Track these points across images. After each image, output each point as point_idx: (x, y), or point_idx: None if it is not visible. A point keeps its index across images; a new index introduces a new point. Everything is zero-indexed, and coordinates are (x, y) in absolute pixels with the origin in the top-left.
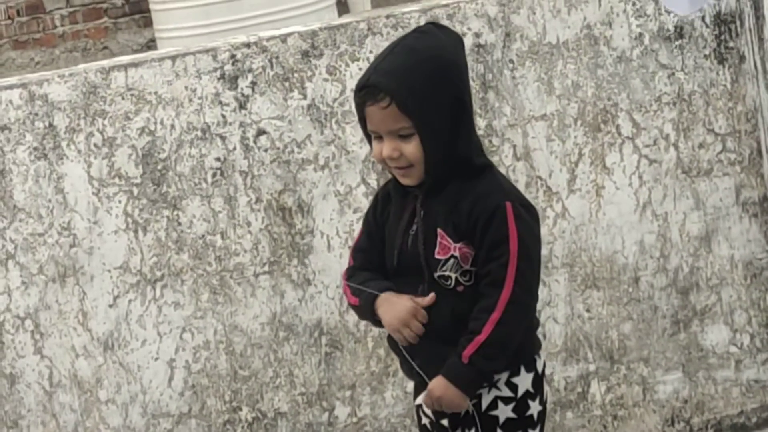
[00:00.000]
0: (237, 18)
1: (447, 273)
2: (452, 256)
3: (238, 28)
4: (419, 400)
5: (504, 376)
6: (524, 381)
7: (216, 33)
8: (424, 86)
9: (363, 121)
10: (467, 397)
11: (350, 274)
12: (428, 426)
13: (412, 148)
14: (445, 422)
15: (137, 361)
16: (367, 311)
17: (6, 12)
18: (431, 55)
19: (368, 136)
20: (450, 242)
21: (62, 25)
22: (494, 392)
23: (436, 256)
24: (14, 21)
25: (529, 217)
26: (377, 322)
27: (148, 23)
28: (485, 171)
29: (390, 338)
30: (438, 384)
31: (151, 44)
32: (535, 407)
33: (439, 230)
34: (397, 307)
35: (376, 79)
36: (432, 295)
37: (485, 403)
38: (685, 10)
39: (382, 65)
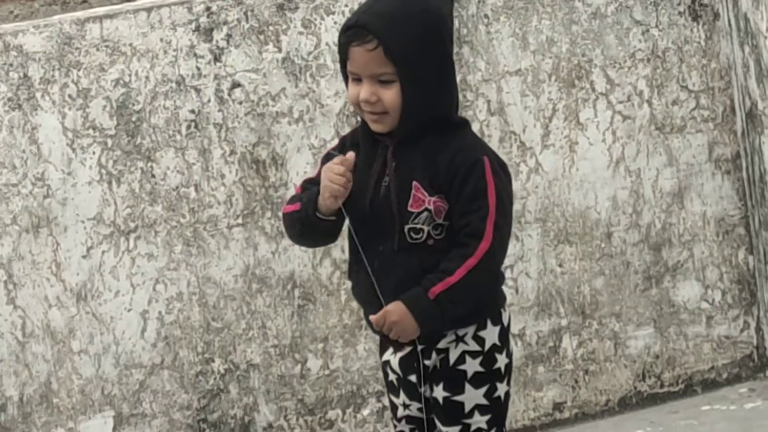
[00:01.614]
0: None
1: (419, 226)
2: (426, 209)
3: None
4: (374, 319)
5: (471, 330)
6: (491, 334)
7: None
8: (413, 35)
9: (344, 62)
10: (419, 330)
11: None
12: (395, 382)
13: (390, 95)
14: (412, 378)
15: (110, 312)
16: (311, 203)
17: None
18: (423, 7)
19: (346, 77)
20: (425, 195)
21: None
22: (462, 347)
23: (409, 209)
24: None
25: (503, 174)
26: (320, 220)
27: None
28: (462, 127)
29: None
30: (396, 308)
31: None
32: (502, 360)
33: (414, 183)
34: (325, 173)
35: (366, 19)
36: (351, 153)
37: (453, 357)
38: None
39: (373, 8)
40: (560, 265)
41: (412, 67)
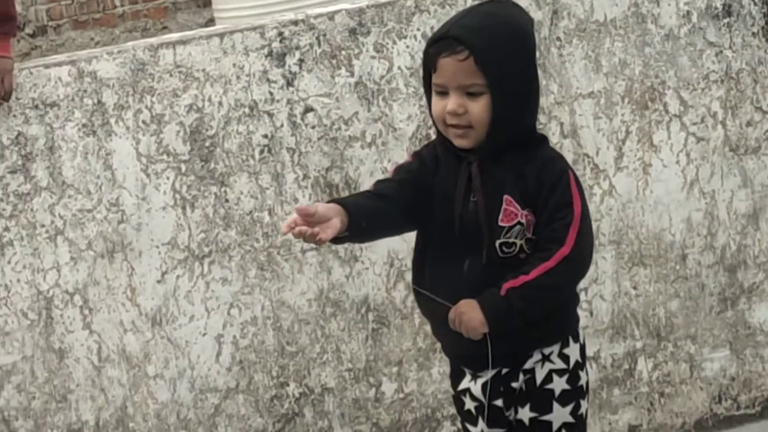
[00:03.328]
0: None
1: (512, 240)
2: (519, 222)
3: (296, 8)
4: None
5: (556, 348)
6: (574, 352)
7: (275, 13)
8: (503, 47)
9: (428, 76)
10: (487, 325)
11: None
12: (472, 411)
13: (479, 108)
14: (499, 402)
15: (185, 336)
16: None
17: None
18: (510, 21)
19: (429, 93)
20: (517, 209)
21: (122, 5)
22: (548, 365)
23: (500, 223)
24: (74, 1)
25: (583, 190)
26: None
27: (207, 3)
28: (542, 141)
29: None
30: (466, 302)
31: (210, 24)
32: (584, 377)
33: (505, 197)
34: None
35: (457, 31)
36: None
37: (539, 377)
38: None
39: (462, 21)
40: (635, 288)
41: (503, 79)
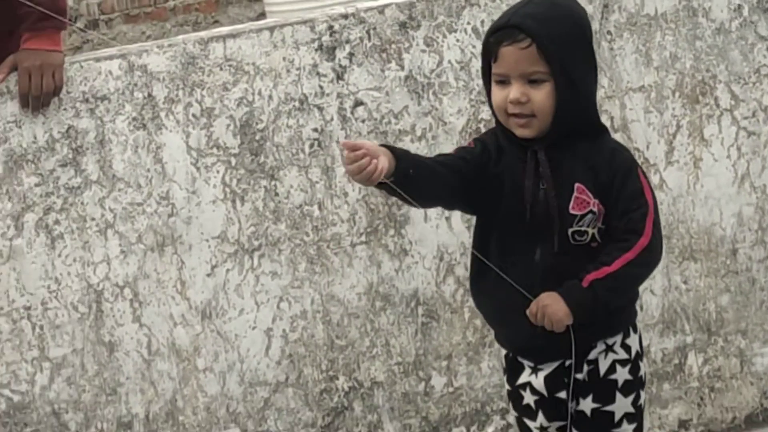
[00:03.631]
0: None
1: (584, 228)
2: (590, 211)
3: (346, 2)
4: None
5: (618, 338)
6: (634, 342)
7: (325, 7)
8: (565, 35)
9: (487, 67)
10: (572, 317)
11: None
12: (532, 405)
13: (542, 95)
14: (561, 395)
15: (235, 330)
16: None
17: None
18: (571, 11)
19: (488, 84)
20: (590, 197)
21: None
22: (611, 356)
23: (571, 211)
24: None
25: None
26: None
27: None
28: (606, 131)
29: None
30: (549, 294)
31: (260, 18)
32: (643, 367)
33: (577, 185)
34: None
35: (518, 20)
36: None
37: (603, 367)
38: None
39: (522, 10)
40: (685, 282)
41: (566, 67)
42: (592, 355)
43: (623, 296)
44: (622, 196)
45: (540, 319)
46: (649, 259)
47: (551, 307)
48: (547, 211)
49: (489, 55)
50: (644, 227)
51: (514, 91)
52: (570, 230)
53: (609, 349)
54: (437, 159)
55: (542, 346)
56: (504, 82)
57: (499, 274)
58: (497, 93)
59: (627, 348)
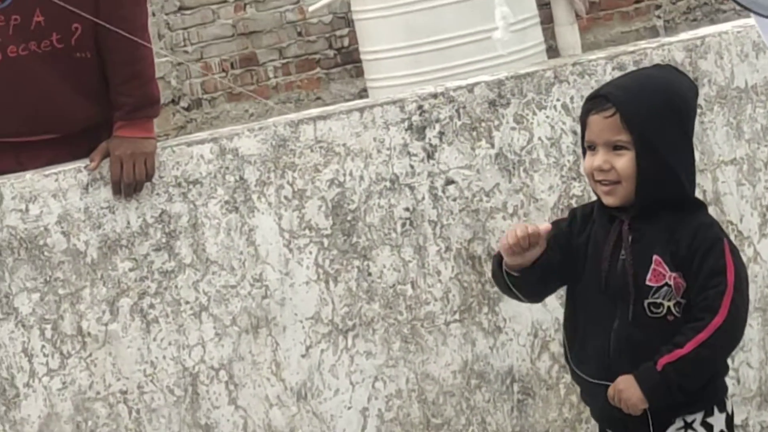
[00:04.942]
0: (448, 66)
1: (660, 300)
2: (666, 284)
3: (449, 75)
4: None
5: (699, 416)
6: (718, 421)
7: (427, 81)
8: (651, 107)
9: (583, 134)
10: (647, 402)
11: None
12: None
13: (623, 162)
14: None
15: (330, 410)
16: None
17: (220, 65)
18: (666, 85)
19: (584, 152)
20: (666, 270)
21: (275, 77)
22: None
23: (648, 283)
24: (228, 74)
25: (740, 258)
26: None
27: (359, 73)
28: (699, 207)
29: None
30: (624, 378)
31: (363, 94)
32: None
33: (655, 257)
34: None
35: (607, 90)
36: (548, 225)
37: None
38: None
39: (617, 82)
40: None
41: (649, 137)
42: (670, 431)
43: (698, 378)
44: (702, 273)
45: (617, 402)
46: (724, 339)
47: (626, 392)
48: (625, 281)
49: (582, 124)
50: (720, 306)
51: (599, 158)
52: (646, 302)
53: (688, 426)
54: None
55: (625, 420)
56: (593, 148)
57: (575, 346)
58: (587, 160)
59: (708, 426)
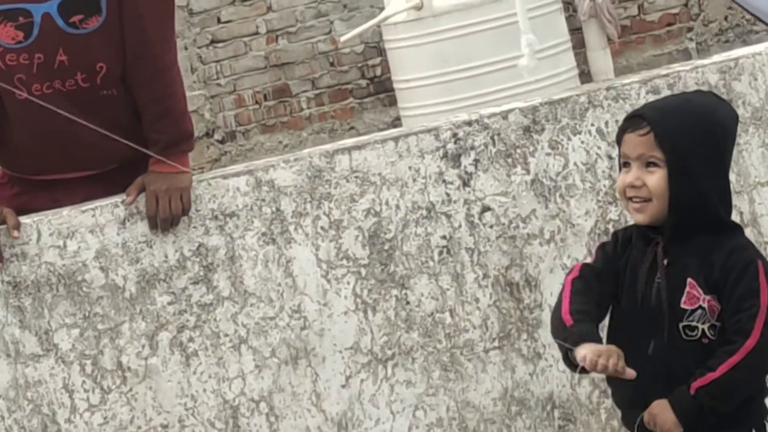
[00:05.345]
0: (480, 93)
1: (694, 323)
2: (700, 306)
3: (481, 103)
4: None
5: None
6: None
7: (460, 109)
8: (687, 129)
9: (620, 154)
10: (681, 426)
11: (573, 289)
12: None
13: (656, 180)
14: None
15: None
16: (573, 336)
17: (253, 97)
18: (703, 109)
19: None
20: (700, 293)
21: (308, 108)
22: None
23: (682, 306)
24: (261, 105)
25: None
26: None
27: (393, 102)
28: (735, 230)
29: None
30: (659, 403)
31: (396, 122)
32: None
33: (689, 280)
34: (601, 348)
35: (644, 110)
36: (632, 372)
37: None
38: None
39: (653, 103)
40: None
41: (681, 156)
42: None
43: (732, 402)
44: (735, 295)
45: (652, 427)
46: (758, 361)
47: (660, 417)
48: (660, 304)
49: (619, 143)
50: (752, 328)
51: (631, 174)
52: (680, 324)
53: None
54: (595, 294)
55: None
56: (627, 165)
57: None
58: (620, 177)
59: None
